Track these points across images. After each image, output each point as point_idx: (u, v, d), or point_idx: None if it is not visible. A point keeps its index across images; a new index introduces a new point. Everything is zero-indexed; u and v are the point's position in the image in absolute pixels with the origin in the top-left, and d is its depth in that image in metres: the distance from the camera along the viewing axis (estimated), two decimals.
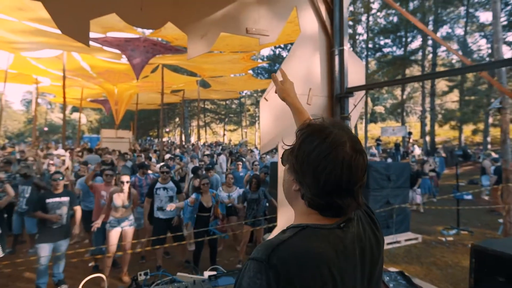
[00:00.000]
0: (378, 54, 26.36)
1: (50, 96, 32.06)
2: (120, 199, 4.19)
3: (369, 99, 40.91)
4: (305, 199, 0.81)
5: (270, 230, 5.30)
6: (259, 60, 28.71)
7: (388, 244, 5.77)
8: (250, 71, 15.23)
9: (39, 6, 6.99)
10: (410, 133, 23.63)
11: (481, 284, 1.51)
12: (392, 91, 32.34)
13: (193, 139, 34.13)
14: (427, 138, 22.02)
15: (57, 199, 3.97)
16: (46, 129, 37.32)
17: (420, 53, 23.10)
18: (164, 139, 34.28)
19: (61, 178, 4.09)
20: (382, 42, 25.49)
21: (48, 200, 3.94)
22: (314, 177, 0.76)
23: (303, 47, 3.69)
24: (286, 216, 3.63)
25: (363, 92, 3.71)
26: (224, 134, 38.78)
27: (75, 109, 38.13)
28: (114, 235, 4.18)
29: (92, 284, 4.17)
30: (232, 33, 3.34)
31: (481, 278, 1.51)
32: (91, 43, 9.04)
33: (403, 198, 6.30)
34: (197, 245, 4.52)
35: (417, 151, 20.02)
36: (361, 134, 28.12)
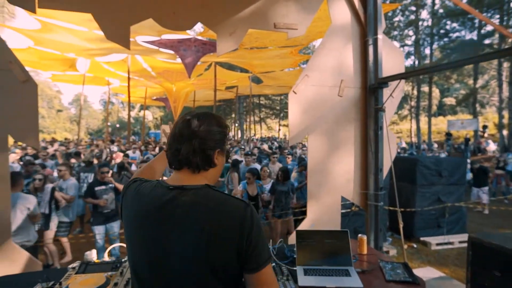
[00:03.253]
0: (444, 40, 23.99)
1: (122, 96, 35.33)
2: None
3: (437, 90, 37.49)
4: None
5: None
6: (311, 54, 28.20)
7: (438, 244, 5.38)
8: (303, 65, 15.10)
9: None
10: (485, 127, 21.19)
11: (478, 278, 1.41)
12: (463, 80, 29.11)
13: (249, 134, 34.91)
14: (504, 132, 19.51)
15: (103, 187, 4.53)
16: (117, 125, 41.41)
17: (497, 35, 20.44)
18: None
19: (107, 170, 4.64)
20: (449, 27, 23.12)
21: (96, 188, 4.52)
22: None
23: (334, 39, 3.66)
24: (315, 208, 3.67)
25: (400, 82, 3.53)
26: (279, 129, 38.96)
27: (142, 107, 41.64)
28: None
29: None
30: (260, 29, 3.45)
31: (478, 271, 1.41)
32: (149, 45, 9.93)
33: (458, 196, 5.78)
34: None
35: (492, 146, 17.93)
36: (424, 128, 25.99)
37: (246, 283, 0.99)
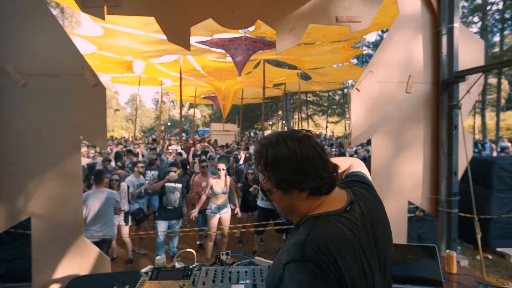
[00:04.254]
0: None
1: (172, 95, 36.99)
2: (219, 186, 4.63)
3: (505, 82, 33.75)
4: (309, 191, 0.88)
5: None
6: (364, 48, 27.00)
7: None
8: (354, 60, 14.48)
9: None
10: None
11: None
12: None
13: None
14: None
15: (172, 185, 4.69)
16: (169, 123, 43.54)
17: None
18: (268, 132, 35.73)
19: (174, 170, 4.79)
20: None
21: (166, 184, 4.69)
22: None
23: (401, 30, 3.35)
24: None
25: (478, 76, 3.13)
26: (326, 126, 38.02)
27: (191, 106, 43.25)
28: (214, 221, 4.67)
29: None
30: (321, 24, 3.27)
31: None
32: (200, 45, 10.16)
33: None
34: None
35: None
36: (491, 124, 23.53)
37: None
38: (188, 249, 1.95)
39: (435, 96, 3.41)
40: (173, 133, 44.45)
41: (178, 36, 3.05)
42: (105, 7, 2.86)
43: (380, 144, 3.39)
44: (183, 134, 24.64)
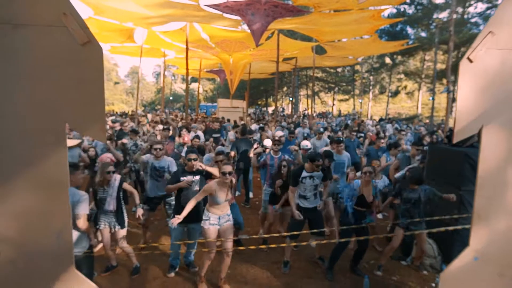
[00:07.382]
0: None
1: (173, 68, 35.51)
2: (224, 194, 3.48)
3: None
4: None
5: (431, 236, 4.17)
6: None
7: None
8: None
9: None
10: None
11: None
12: None
13: (300, 108, 33.38)
14: None
15: (190, 177, 3.75)
16: (171, 98, 42.24)
17: None
18: (272, 108, 34.58)
19: (194, 157, 3.82)
20: None
21: (182, 178, 3.75)
22: None
23: None
24: (482, 234, 2.47)
25: None
26: (333, 104, 36.80)
27: (193, 80, 41.76)
28: (212, 234, 3.51)
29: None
30: None
31: None
32: (212, 10, 8.91)
33: None
34: (342, 243, 3.80)
35: None
36: None
37: None
38: None
39: None
40: (175, 108, 43.30)
41: None
42: None
43: (492, 140, 2.37)
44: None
